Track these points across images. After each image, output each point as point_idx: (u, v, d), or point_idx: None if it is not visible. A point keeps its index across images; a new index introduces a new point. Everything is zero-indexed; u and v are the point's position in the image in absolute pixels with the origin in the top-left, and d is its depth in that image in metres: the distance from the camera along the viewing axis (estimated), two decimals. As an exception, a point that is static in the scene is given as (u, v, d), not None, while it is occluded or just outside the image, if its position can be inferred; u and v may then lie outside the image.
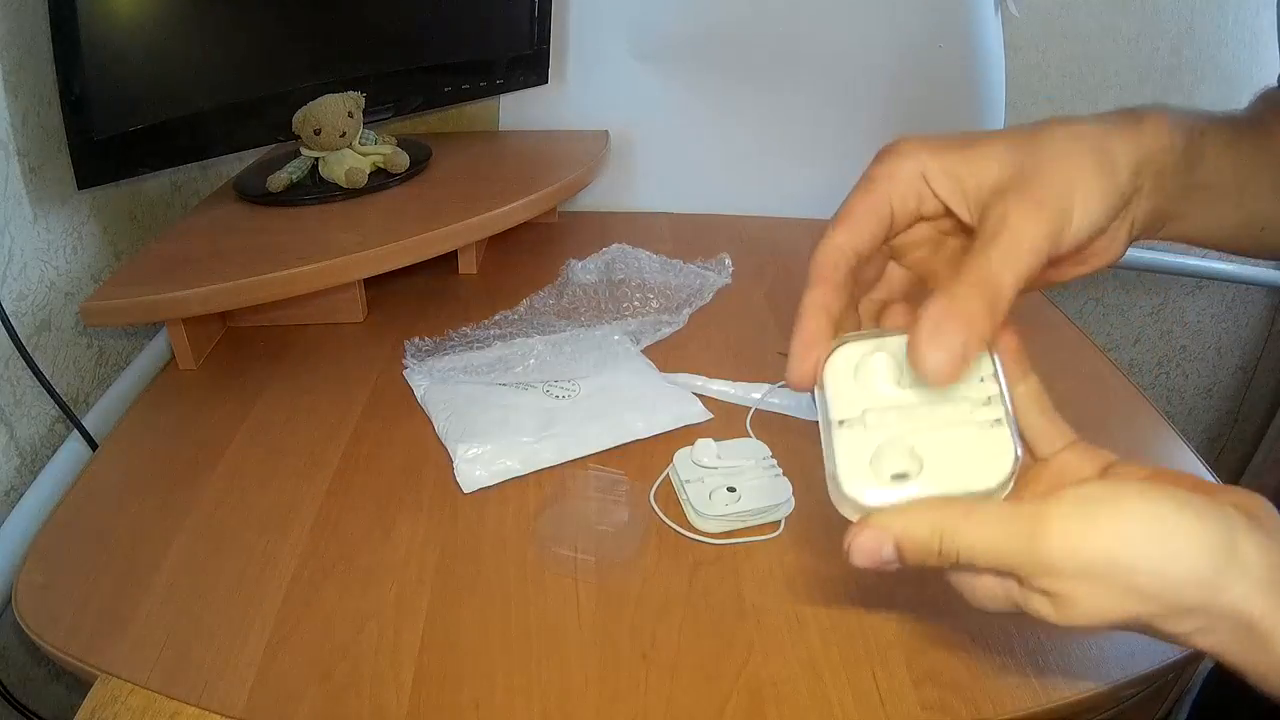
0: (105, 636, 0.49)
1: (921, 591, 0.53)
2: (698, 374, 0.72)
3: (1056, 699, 0.46)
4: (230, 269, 0.70)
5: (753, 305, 0.87)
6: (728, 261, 0.92)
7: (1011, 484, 0.31)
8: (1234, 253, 0.41)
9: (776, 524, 0.58)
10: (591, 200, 1.10)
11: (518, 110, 1.08)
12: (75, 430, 0.68)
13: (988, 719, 0.45)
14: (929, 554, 0.29)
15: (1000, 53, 1.04)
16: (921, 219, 0.35)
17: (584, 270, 0.89)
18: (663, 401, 0.67)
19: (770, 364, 0.76)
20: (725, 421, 0.68)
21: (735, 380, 0.72)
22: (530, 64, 1.01)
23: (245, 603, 0.52)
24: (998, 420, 0.31)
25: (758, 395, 0.70)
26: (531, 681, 0.47)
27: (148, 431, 0.68)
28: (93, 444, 0.68)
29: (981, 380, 0.32)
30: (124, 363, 0.79)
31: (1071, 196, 0.30)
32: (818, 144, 1.08)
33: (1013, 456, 0.30)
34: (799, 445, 0.66)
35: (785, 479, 0.59)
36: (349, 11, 0.87)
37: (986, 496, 0.30)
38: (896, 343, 0.32)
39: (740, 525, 0.57)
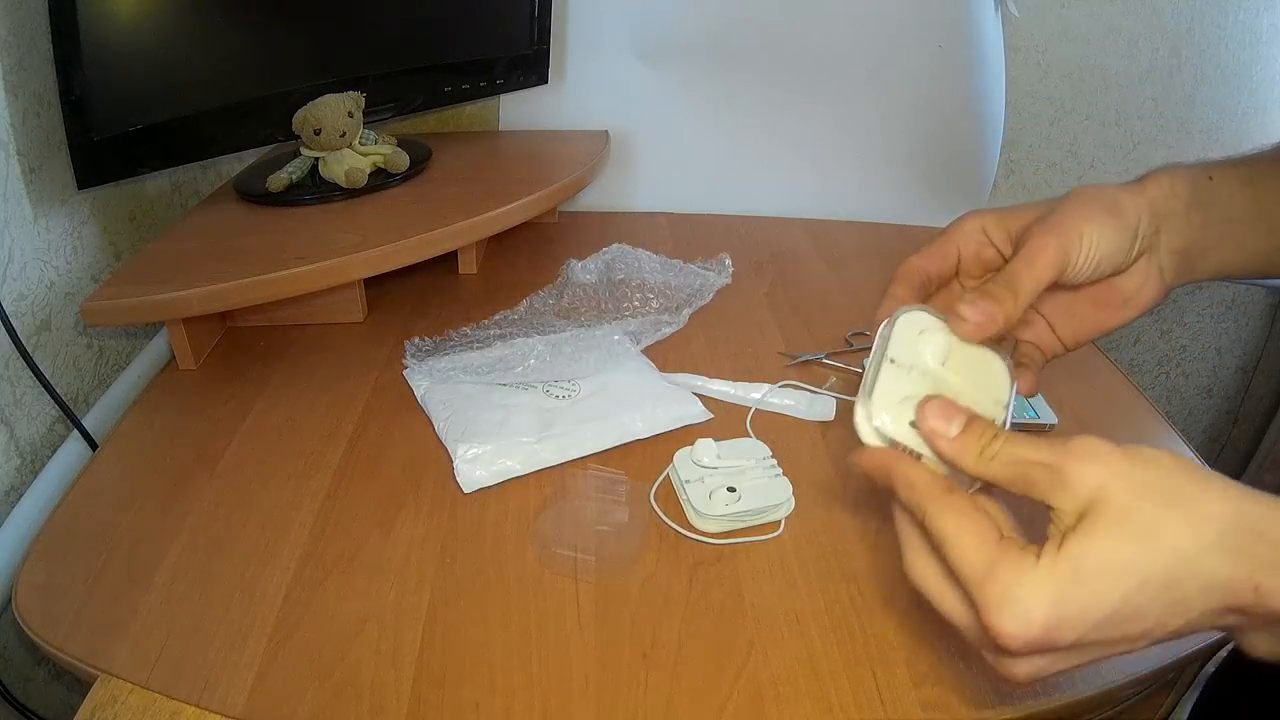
0: (105, 636, 0.49)
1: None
2: (698, 374, 0.72)
3: (1056, 699, 0.46)
4: (230, 269, 0.70)
5: (753, 305, 0.87)
6: (728, 261, 0.92)
7: None
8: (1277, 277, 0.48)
9: (776, 524, 0.58)
10: (591, 200, 1.10)
11: (518, 110, 1.08)
12: (75, 430, 0.68)
13: (987, 719, 0.45)
14: (982, 440, 0.34)
15: (1000, 53, 1.04)
16: (988, 270, 0.44)
17: (584, 270, 0.89)
18: (663, 401, 0.67)
19: (770, 364, 0.76)
20: (725, 421, 0.68)
21: (735, 380, 0.72)
22: (530, 64, 1.01)
23: (245, 603, 0.52)
24: (1003, 423, 0.37)
25: (758, 395, 0.70)
26: (531, 681, 0.47)
27: (148, 431, 0.68)
28: (93, 444, 0.68)
29: (1000, 394, 0.38)
30: (124, 363, 0.79)
31: (1081, 227, 0.39)
32: (818, 144, 1.08)
33: None
34: (799, 445, 0.66)
35: (785, 479, 0.59)
36: (349, 11, 0.87)
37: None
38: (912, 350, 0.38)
39: (740, 525, 0.57)
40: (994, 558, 0.31)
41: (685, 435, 0.65)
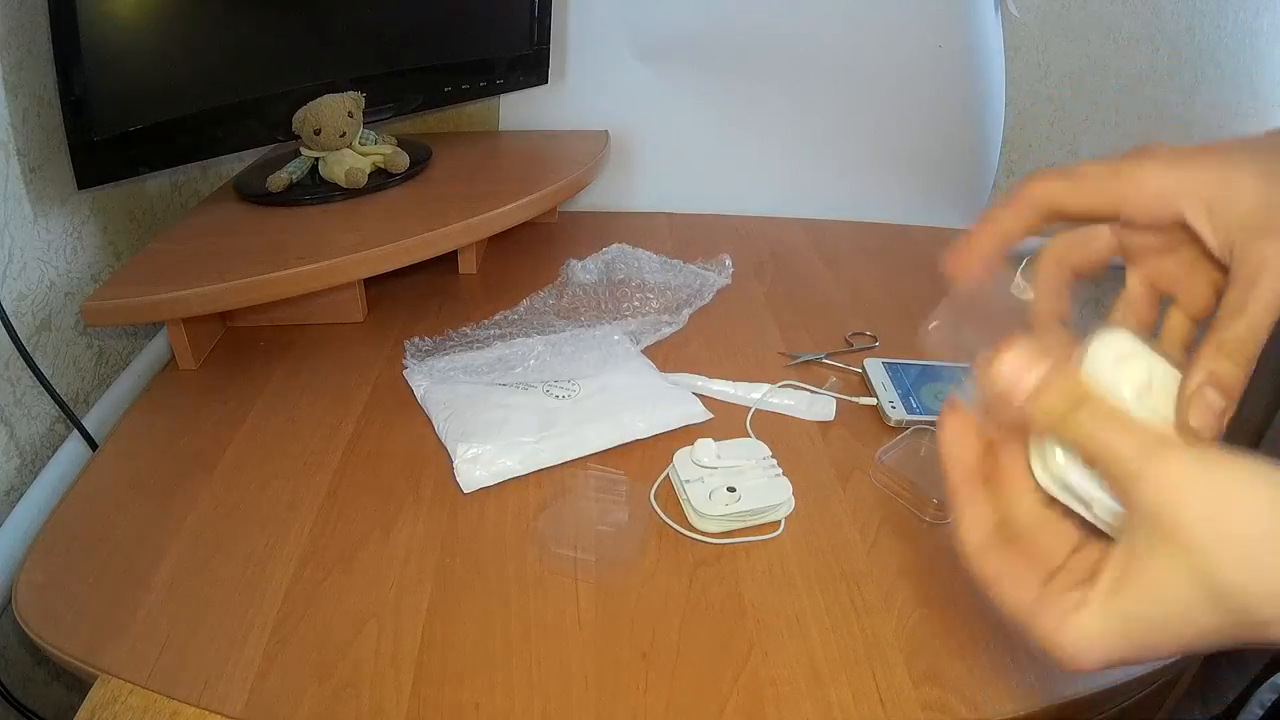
0: (105, 636, 0.49)
1: (921, 591, 0.53)
2: (698, 374, 0.72)
3: (1056, 699, 0.46)
4: (230, 269, 0.70)
5: (753, 305, 0.87)
6: (728, 262, 0.92)
7: None
8: None
9: (776, 524, 0.58)
10: (591, 200, 1.10)
11: (518, 110, 1.08)
12: (75, 430, 0.68)
13: (987, 719, 0.45)
14: (1071, 397, 0.28)
15: (1000, 53, 1.04)
16: (1157, 227, 0.33)
17: (584, 270, 0.89)
18: (663, 401, 0.67)
19: (770, 364, 0.76)
20: (725, 421, 0.68)
21: (735, 380, 0.72)
22: (530, 64, 1.01)
23: (245, 603, 0.52)
24: None
25: (758, 395, 0.70)
26: (531, 681, 0.47)
27: (148, 431, 0.68)
28: (93, 444, 0.68)
29: None
30: (124, 363, 0.79)
31: None
32: (817, 144, 1.08)
33: None
34: (799, 445, 0.66)
35: (785, 479, 0.59)
36: (349, 11, 0.87)
37: None
38: (1162, 369, 0.31)
39: (740, 525, 0.57)
40: (1040, 599, 0.28)
41: (685, 435, 0.65)
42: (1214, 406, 0.29)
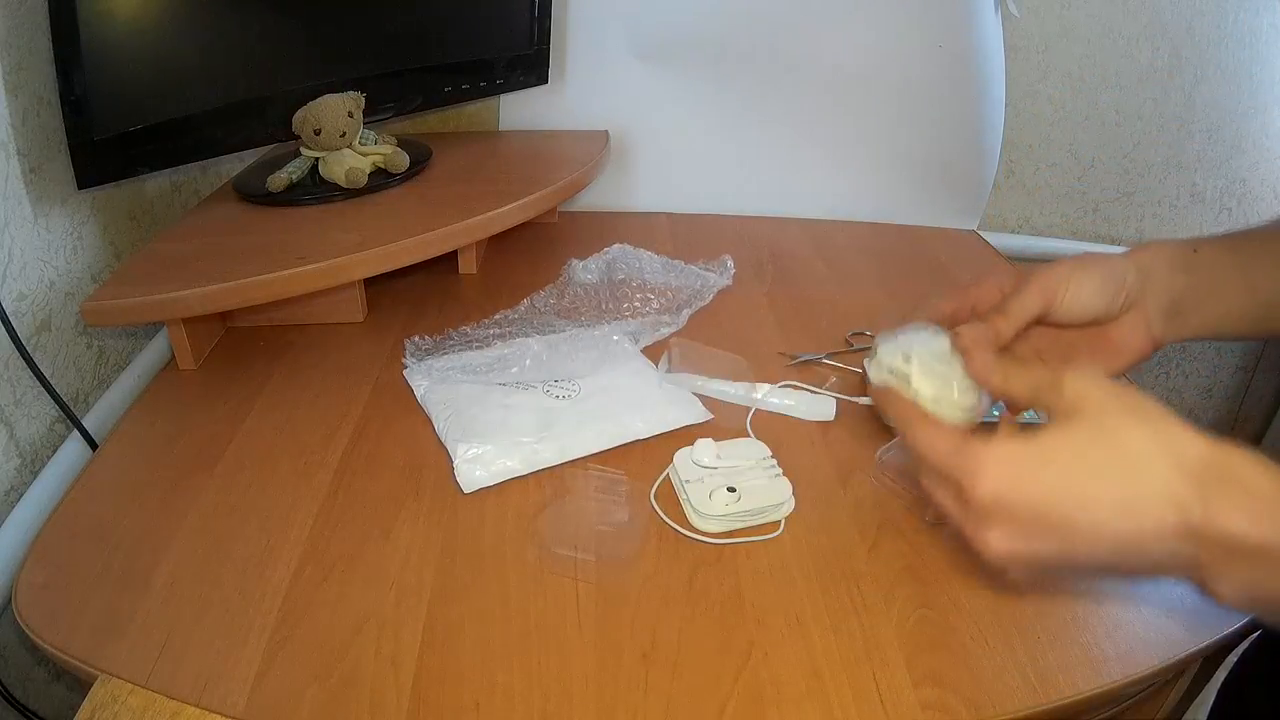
0: (105, 636, 0.49)
1: (922, 591, 0.53)
2: (698, 374, 0.72)
3: (1056, 699, 0.46)
4: (230, 269, 0.70)
5: (753, 305, 0.87)
6: (729, 263, 0.92)
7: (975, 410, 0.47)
8: (1265, 338, 0.55)
9: (776, 524, 0.58)
10: (591, 200, 1.10)
11: (518, 110, 1.08)
12: (75, 430, 0.68)
13: (988, 719, 0.45)
14: (903, 413, 0.44)
15: (1000, 53, 1.04)
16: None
17: (585, 270, 0.89)
18: (663, 402, 0.67)
19: (770, 364, 0.76)
20: (725, 421, 0.68)
21: (735, 380, 0.72)
22: (530, 64, 1.02)
23: (245, 603, 0.52)
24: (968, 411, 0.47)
25: (758, 395, 0.70)
26: (532, 682, 0.47)
27: (148, 431, 0.68)
28: (93, 444, 0.68)
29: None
30: (124, 363, 0.80)
31: (1068, 272, 0.48)
32: (817, 144, 1.08)
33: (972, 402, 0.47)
34: (799, 445, 0.66)
35: (785, 479, 0.59)
36: (349, 11, 0.87)
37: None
38: (922, 338, 0.49)
39: (740, 525, 0.57)
40: (960, 442, 0.39)
41: (685, 435, 0.65)
42: (977, 326, 0.47)
